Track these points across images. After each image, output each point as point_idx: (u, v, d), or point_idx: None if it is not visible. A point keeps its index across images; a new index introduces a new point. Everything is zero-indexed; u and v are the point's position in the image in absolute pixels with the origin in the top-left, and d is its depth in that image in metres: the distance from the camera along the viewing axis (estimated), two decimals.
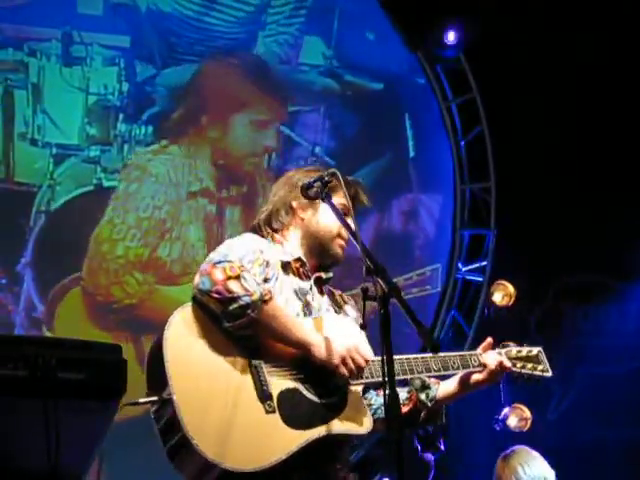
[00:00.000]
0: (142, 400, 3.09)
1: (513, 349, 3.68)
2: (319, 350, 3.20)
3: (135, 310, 7.53)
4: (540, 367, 3.70)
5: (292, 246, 3.47)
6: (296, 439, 3.10)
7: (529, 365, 3.69)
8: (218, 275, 3.10)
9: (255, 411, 3.09)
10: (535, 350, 3.72)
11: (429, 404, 3.48)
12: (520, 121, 7.93)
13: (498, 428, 7.57)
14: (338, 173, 3.27)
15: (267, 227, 3.50)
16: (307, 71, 8.26)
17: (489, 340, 3.59)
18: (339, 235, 3.44)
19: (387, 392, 2.88)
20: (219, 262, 3.14)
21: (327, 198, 3.29)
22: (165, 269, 7.62)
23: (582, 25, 7.80)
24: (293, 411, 3.14)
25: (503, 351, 3.63)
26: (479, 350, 3.57)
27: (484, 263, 8.27)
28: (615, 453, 7.69)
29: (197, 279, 3.14)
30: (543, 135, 7.97)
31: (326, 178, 3.29)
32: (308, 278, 3.45)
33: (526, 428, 7.73)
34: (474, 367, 3.52)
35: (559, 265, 8.03)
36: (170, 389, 3.01)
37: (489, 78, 8.07)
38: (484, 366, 3.52)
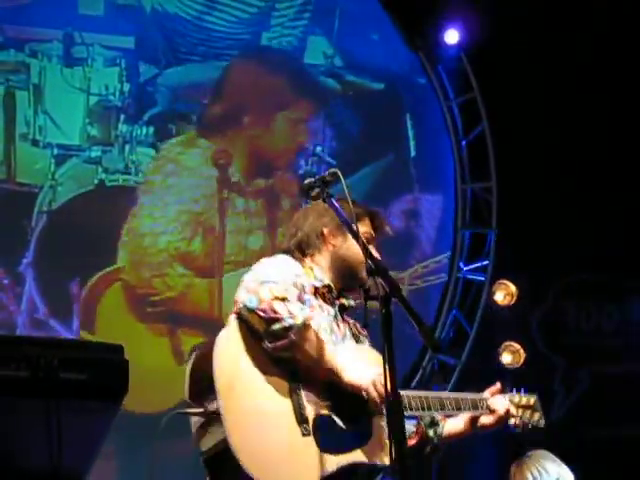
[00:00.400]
0: (191, 410, 3.19)
1: (516, 396, 3.86)
2: (351, 376, 3.29)
3: (173, 303, 7.59)
4: (537, 415, 3.92)
5: (321, 272, 3.56)
6: (328, 464, 3.21)
7: (527, 413, 3.89)
8: (265, 294, 3.19)
9: (294, 433, 3.19)
10: (532, 399, 3.92)
11: (435, 440, 3.64)
12: (521, 120, 7.92)
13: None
14: (339, 172, 3.29)
15: (297, 252, 3.58)
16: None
17: (498, 386, 3.75)
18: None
19: (389, 391, 2.90)
20: (266, 282, 3.23)
21: (328, 198, 3.30)
22: (200, 262, 7.70)
23: (581, 24, 7.81)
24: (326, 436, 3.24)
25: (507, 396, 3.80)
26: (487, 394, 3.74)
27: (485, 262, 8.27)
28: (618, 453, 7.68)
29: (243, 295, 3.23)
30: (544, 134, 7.97)
31: (327, 178, 3.31)
32: (333, 305, 3.54)
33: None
34: (482, 410, 3.68)
35: (561, 264, 8.03)
36: (219, 404, 3.11)
37: (490, 77, 8.07)
38: (492, 411, 3.70)
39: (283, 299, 3.20)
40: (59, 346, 2.78)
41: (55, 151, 7.54)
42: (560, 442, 4.92)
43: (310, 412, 3.24)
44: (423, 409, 3.48)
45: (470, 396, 3.69)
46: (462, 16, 7.91)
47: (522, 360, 7.89)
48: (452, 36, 8.04)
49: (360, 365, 3.33)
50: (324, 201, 3.31)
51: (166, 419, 3.31)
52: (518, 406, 3.85)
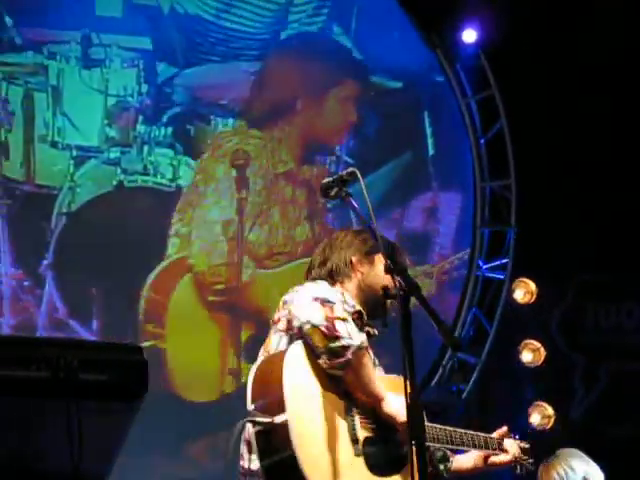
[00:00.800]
0: (259, 419, 3.30)
1: (522, 442, 4.10)
2: (390, 409, 3.43)
3: (236, 293, 7.73)
4: (530, 460, 4.13)
5: (351, 298, 3.63)
6: None
7: (525, 456, 4.11)
8: (328, 312, 3.33)
9: (348, 452, 3.37)
10: (528, 445, 4.14)
11: (445, 474, 3.82)
12: (540, 118, 7.90)
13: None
14: (357, 172, 3.32)
15: (329, 279, 3.67)
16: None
17: (505, 429, 3.99)
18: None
19: (408, 392, 2.95)
20: (327, 301, 3.37)
21: (347, 197, 3.33)
22: (256, 252, 7.83)
23: (597, 22, 7.78)
24: (373, 458, 3.42)
25: (517, 442, 4.05)
26: (495, 435, 3.97)
27: (505, 260, 8.25)
28: (638, 451, 7.64)
29: (307, 311, 3.35)
30: (563, 132, 7.94)
31: (345, 177, 3.35)
32: (362, 331, 3.58)
33: (549, 426, 7.70)
34: (492, 449, 3.91)
35: (580, 262, 7.99)
36: (288, 417, 3.24)
37: (508, 74, 8.04)
38: (504, 451, 3.95)
39: (344, 319, 3.34)
40: (79, 347, 2.79)
41: (74, 152, 7.56)
42: (579, 440, 4.89)
43: (361, 433, 3.42)
44: (449, 442, 3.73)
45: (483, 435, 3.91)
46: (480, 14, 7.89)
47: (542, 358, 7.86)
48: (470, 35, 8.02)
49: (395, 395, 3.44)
50: (342, 200, 3.34)
51: (240, 426, 3.42)
52: (522, 450, 4.10)
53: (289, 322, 3.45)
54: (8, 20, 7.43)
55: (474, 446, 3.85)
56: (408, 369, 2.94)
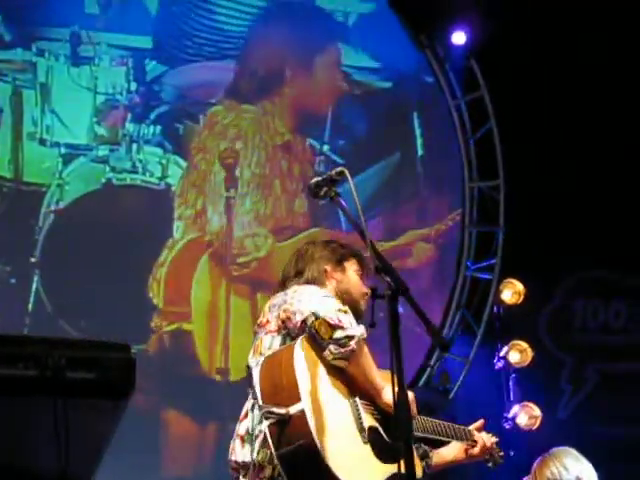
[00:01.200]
0: (276, 411, 3.38)
1: (492, 436, 4.18)
2: (388, 396, 3.46)
3: (256, 264, 7.75)
4: (501, 453, 4.23)
5: None
6: (381, 472, 3.50)
7: (496, 448, 4.20)
8: (331, 305, 3.49)
9: (358, 440, 3.50)
10: (496, 439, 4.21)
11: (426, 470, 3.93)
12: (528, 119, 7.91)
13: (508, 427, 7.56)
14: (346, 171, 3.36)
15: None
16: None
17: (482, 421, 4.12)
18: (366, 293, 3.78)
19: (396, 391, 2.97)
20: (327, 296, 3.56)
21: (335, 197, 3.37)
22: (265, 225, 7.92)
23: (586, 24, 7.80)
24: (377, 446, 3.54)
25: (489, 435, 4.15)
26: (472, 427, 4.10)
27: (493, 261, 8.26)
28: (627, 451, 7.67)
29: (310, 306, 3.47)
30: (551, 133, 7.96)
31: (334, 177, 3.38)
32: None
33: (536, 426, 7.71)
34: (468, 441, 4.04)
35: (568, 263, 8.02)
36: (304, 407, 3.36)
37: (497, 76, 8.06)
38: (476, 442, 4.05)
39: (345, 311, 3.48)
40: (66, 345, 2.78)
41: (62, 150, 7.55)
42: (567, 440, 4.89)
43: (365, 422, 3.54)
44: (427, 431, 3.88)
45: (462, 427, 4.06)
46: (468, 16, 7.90)
47: (529, 359, 7.88)
48: (459, 37, 8.04)
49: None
50: (331, 200, 3.37)
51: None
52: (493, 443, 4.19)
53: (283, 322, 3.58)
54: None
55: (456, 438, 4.00)
56: (396, 368, 2.95)
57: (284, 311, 3.57)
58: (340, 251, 3.88)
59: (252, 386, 3.55)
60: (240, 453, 3.50)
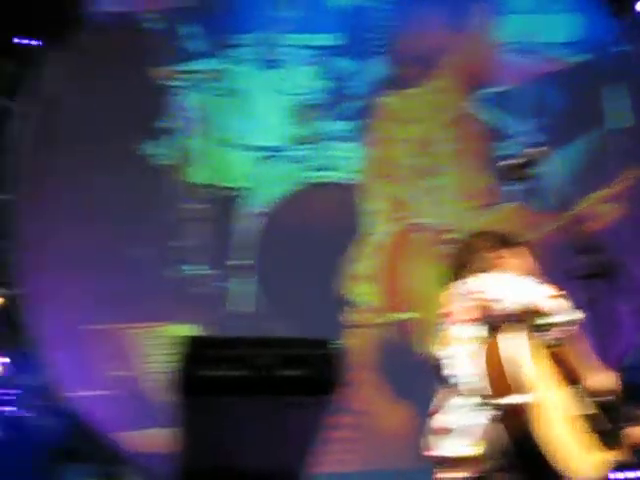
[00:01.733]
0: (505, 401, 3.35)
1: None
2: (604, 381, 3.51)
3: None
4: None
5: None
6: (606, 458, 3.45)
7: None
8: (546, 290, 3.43)
9: (581, 428, 3.43)
10: None
11: None
12: None
13: None
14: (539, 154, 3.35)
15: None
16: (504, 50, 8.12)
17: None
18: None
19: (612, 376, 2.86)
20: (533, 282, 3.47)
21: (531, 179, 3.35)
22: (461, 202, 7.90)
23: None
24: (601, 433, 3.45)
25: None
26: None
27: None
28: None
29: (521, 294, 3.42)
30: None
31: (531, 158, 3.39)
32: None
33: None
34: None
35: None
36: (528, 396, 3.32)
37: None
38: None
39: (557, 296, 3.41)
40: (273, 344, 2.83)
41: (256, 153, 7.71)
42: None
43: (587, 408, 3.47)
44: None
45: None
46: None
47: None
48: None
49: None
50: (524, 182, 3.34)
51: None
52: None
53: (477, 311, 3.49)
54: (187, 29, 7.66)
55: None
56: (609, 353, 2.86)
57: (479, 300, 3.50)
58: (501, 238, 3.78)
59: (442, 377, 3.51)
60: (441, 447, 3.45)
